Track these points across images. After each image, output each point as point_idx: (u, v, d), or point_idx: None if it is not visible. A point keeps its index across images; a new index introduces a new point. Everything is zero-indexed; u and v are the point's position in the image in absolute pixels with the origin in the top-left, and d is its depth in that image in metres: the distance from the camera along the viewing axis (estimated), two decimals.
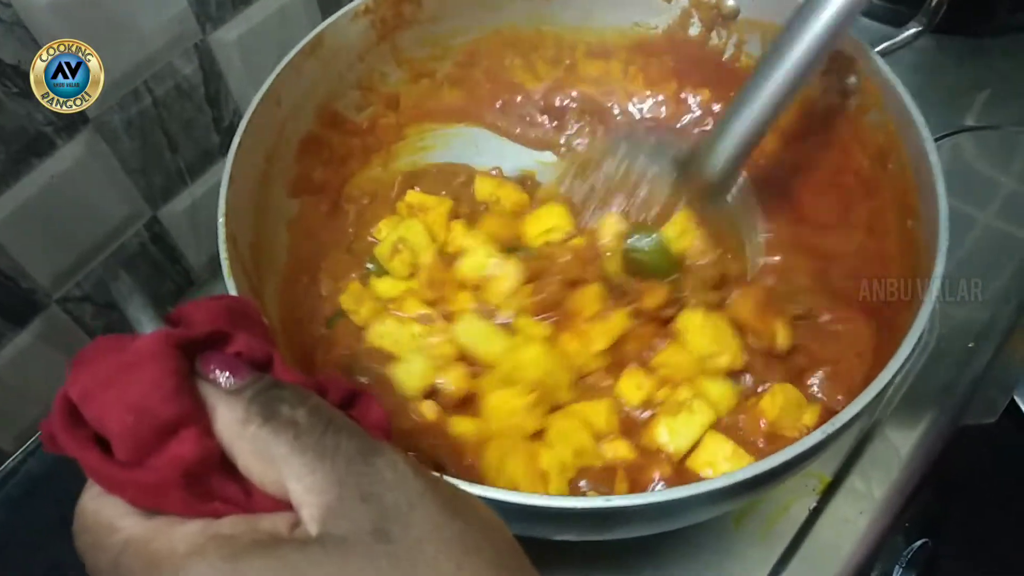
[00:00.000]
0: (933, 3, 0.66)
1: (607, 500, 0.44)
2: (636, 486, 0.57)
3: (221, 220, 0.57)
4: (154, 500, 0.29)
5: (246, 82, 0.65)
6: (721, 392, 0.61)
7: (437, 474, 0.32)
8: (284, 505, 0.29)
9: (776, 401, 0.59)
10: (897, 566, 0.70)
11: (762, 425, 0.59)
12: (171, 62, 0.70)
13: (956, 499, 0.78)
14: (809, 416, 0.59)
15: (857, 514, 0.67)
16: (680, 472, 0.58)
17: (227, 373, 0.31)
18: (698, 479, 0.57)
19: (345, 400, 0.34)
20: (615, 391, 0.62)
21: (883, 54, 0.65)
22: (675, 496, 0.45)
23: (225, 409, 0.29)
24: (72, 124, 0.65)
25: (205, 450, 0.29)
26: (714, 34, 0.76)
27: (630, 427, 0.61)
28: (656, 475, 0.56)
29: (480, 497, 0.42)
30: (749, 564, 0.65)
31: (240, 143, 0.60)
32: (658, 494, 0.45)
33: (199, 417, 0.29)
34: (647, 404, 0.61)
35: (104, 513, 0.30)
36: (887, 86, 0.62)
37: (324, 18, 0.69)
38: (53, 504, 0.30)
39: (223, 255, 0.55)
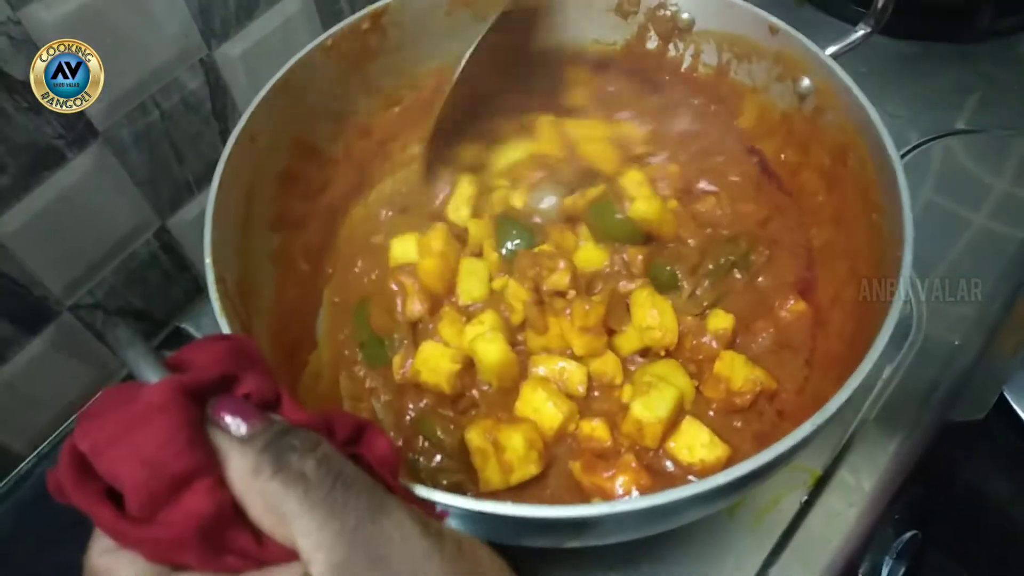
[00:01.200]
0: (879, 4, 0.68)
1: (594, 507, 0.46)
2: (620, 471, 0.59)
3: (208, 261, 0.57)
4: (169, 555, 0.29)
5: (251, 96, 0.67)
6: (670, 370, 0.65)
7: (440, 524, 0.32)
8: (295, 555, 0.29)
9: (728, 364, 0.63)
10: (887, 557, 0.71)
11: (724, 389, 0.63)
12: (177, 77, 0.72)
13: (946, 492, 0.79)
14: (759, 373, 0.63)
15: (847, 507, 0.68)
16: (660, 456, 0.61)
17: (238, 419, 0.31)
18: (677, 461, 0.60)
19: (353, 435, 0.34)
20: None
21: (835, 56, 0.67)
22: (665, 500, 0.45)
23: (237, 458, 0.30)
24: (82, 137, 0.67)
25: (219, 503, 0.29)
26: (671, 46, 0.78)
27: (610, 415, 0.64)
28: (634, 464, 0.59)
29: (472, 511, 0.43)
30: (742, 556, 0.66)
31: (220, 183, 0.60)
32: (648, 498, 0.45)
33: (212, 467, 0.29)
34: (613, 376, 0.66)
35: (117, 571, 0.30)
36: (841, 87, 0.65)
37: (324, 31, 0.71)
38: (64, 508, 0.30)
39: (213, 296, 0.55)
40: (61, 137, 0.65)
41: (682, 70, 0.79)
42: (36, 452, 0.77)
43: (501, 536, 0.48)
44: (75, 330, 0.75)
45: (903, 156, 0.91)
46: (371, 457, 0.33)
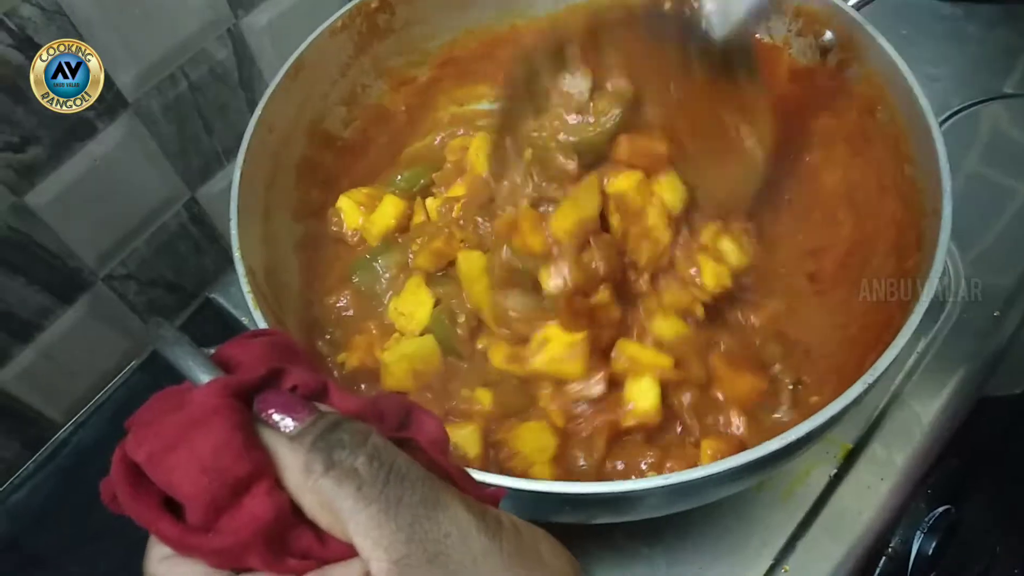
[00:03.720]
0: None
1: (625, 484, 0.46)
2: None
3: (237, 255, 0.57)
4: (233, 562, 0.29)
5: (278, 66, 0.67)
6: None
7: (499, 512, 0.32)
8: (355, 550, 0.29)
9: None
10: (918, 532, 0.70)
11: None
12: (205, 47, 0.72)
13: (981, 466, 0.78)
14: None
15: (878, 480, 0.67)
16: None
17: (286, 417, 0.30)
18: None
19: (402, 419, 0.34)
20: None
21: (857, 7, 0.65)
22: (694, 476, 0.46)
23: (288, 456, 0.29)
24: (112, 108, 0.67)
25: (279, 506, 0.28)
26: (686, 7, 0.75)
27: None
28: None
29: (505, 487, 0.43)
30: (769, 529, 0.66)
31: (241, 175, 0.60)
32: (676, 475, 0.46)
33: (269, 469, 0.29)
34: None
35: None
36: (865, 38, 0.63)
37: None
38: (100, 474, 0.29)
39: (246, 289, 0.56)
40: (92, 108, 0.65)
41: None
42: (73, 420, 0.79)
43: (534, 512, 0.49)
44: (109, 300, 0.76)
45: (944, 121, 0.89)
46: (421, 439, 0.33)
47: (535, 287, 0.61)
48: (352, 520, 0.28)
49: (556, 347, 0.60)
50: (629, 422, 0.59)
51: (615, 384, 0.61)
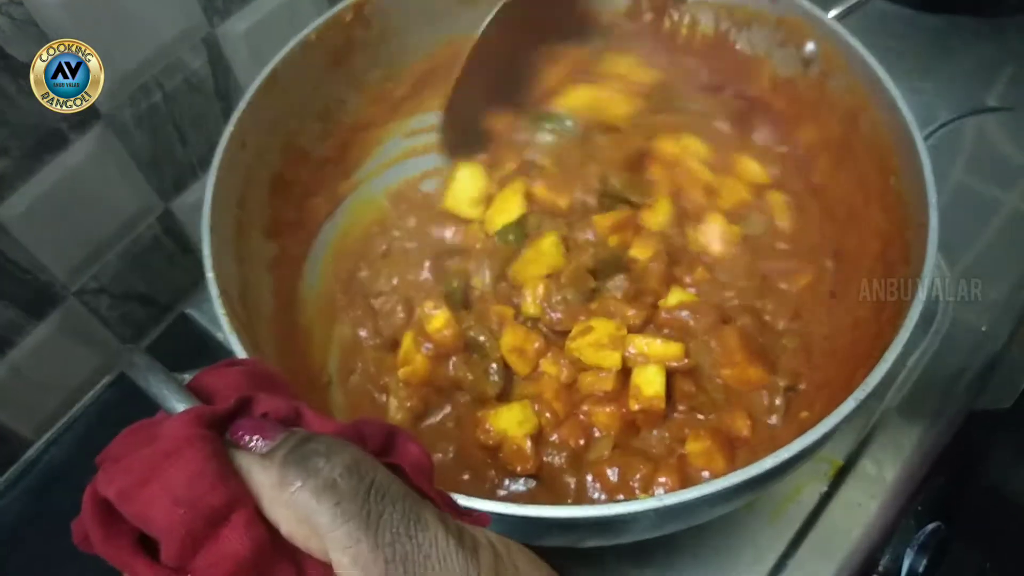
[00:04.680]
0: None
1: (616, 507, 0.45)
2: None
3: (211, 275, 0.56)
4: None
5: (255, 75, 0.66)
6: None
7: (475, 530, 0.31)
8: (332, 574, 0.28)
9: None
10: (908, 549, 0.69)
11: None
12: (180, 56, 0.70)
13: (970, 483, 0.77)
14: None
15: (868, 498, 0.67)
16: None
17: (256, 437, 0.29)
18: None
19: (385, 443, 0.33)
20: None
21: (838, 19, 0.65)
22: (682, 499, 0.45)
23: (261, 474, 0.28)
24: (84, 120, 0.65)
25: (257, 540, 0.27)
26: (666, 18, 0.76)
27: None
28: None
29: (488, 512, 0.42)
30: (760, 548, 0.65)
31: (214, 193, 0.59)
32: (663, 498, 0.45)
33: (246, 497, 0.28)
34: None
35: None
36: (847, 49, 0.63)
37: (331, 6, 0.69)
38: (73, 492, 0.29)
39: (220, 310, 0.54)
40: (64, 119, 0.64)
41: (679, 41, 0.77)
42: (44, 438, 0.77)
43: (522, 536, 0.48)
44: (80, 315, 0.74)
45: (931, 134, 0.88)
46: (405, 464, 0.32)
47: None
48: (330, 536, 0.27)
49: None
50: (635, 407, 0.61)
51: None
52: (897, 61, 0.63)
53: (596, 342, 0.64)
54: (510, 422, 0.62)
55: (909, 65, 0.91)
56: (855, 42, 0.62)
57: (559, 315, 0.66)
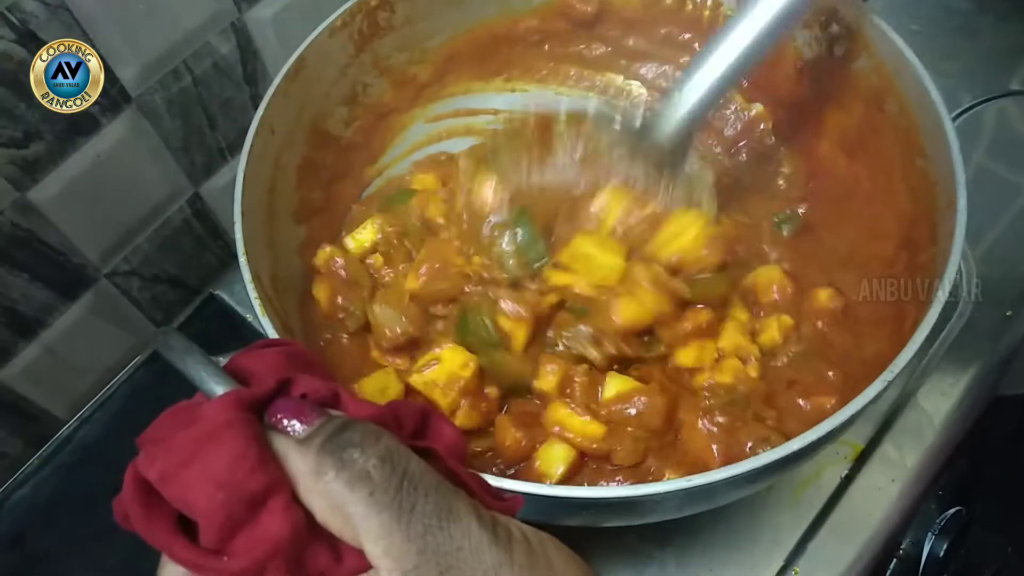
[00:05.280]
0: None
1: (642, 488, 0.46)
2: None
3: (243, 260, 0.56)
4: None
5: (282, 60, 0.66)
6: None
7: (508, 522, 0.31)
8: (369, 561, 0.29)
9: None
10: (929, 533, 0.70)
11: None
12: (209, 41, 0.71)
13: (992, 467, 0.77)
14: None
15: (889, 482, 0.67)
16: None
17: (294, 420, 0.30)
18: None
19: (420, 425, 0.33)
20: None
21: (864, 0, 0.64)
22: (708, 480, 0.45)
23: (298, 460, 0.29)
24: (115, 104, 0.66)
25: (295, 523, 0.28)
26: (688, 2, 0.76)
27: None
28: None
29: (521, 493, 0.43)
30: (779, 531, 0.65)
31: (244, 177, 0.60)
32: (691, 479, 0.45)
33: (284, 482, 0.28)
34: None
35: None
36: (873, 28, 0.62)
37: None
38: (105, 471, 0.29)
39: (252, 294, 0.55)
40: (96, 103, 0.64)
41: (703, 25, 0.76)
42: (77, 416, 0.78)
43: (545, 515, 0.48)
44: (112, 296, 0.76)
45: (955, 118, 0.88)
46: (439, 446, 0.32)
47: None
48: (363, 526, 0.28)
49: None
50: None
51: None
52: (922, 43, 0.62)
53: None
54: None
55: (935, 47, 0.90)
56: (880, 21, 0.62)
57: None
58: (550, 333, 0.62)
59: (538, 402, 0.61)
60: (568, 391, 0.60)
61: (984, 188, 0.83)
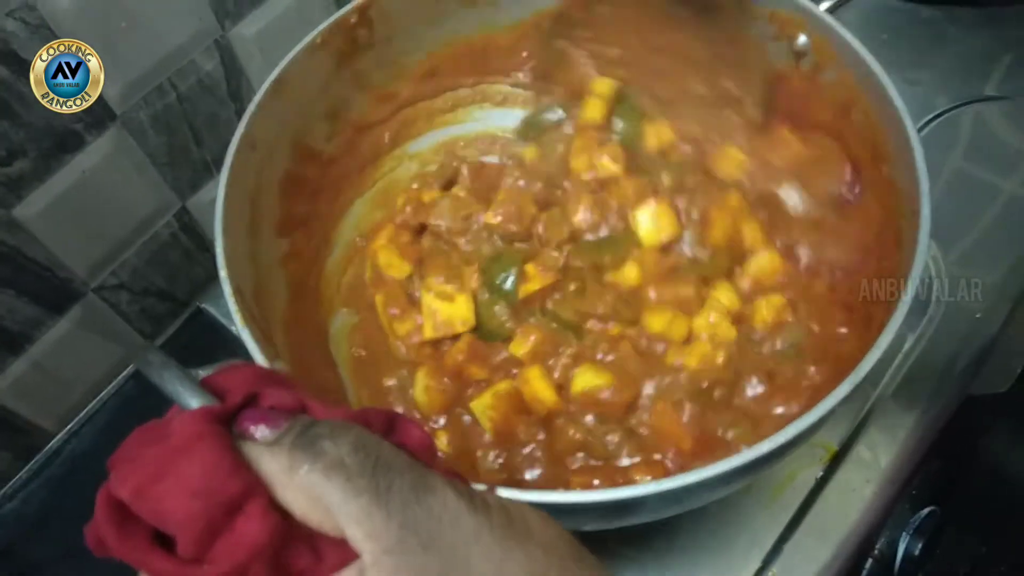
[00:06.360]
0: None
1: (619, 491, 0.47)
2: None
3: (224, 274, 0.56)
4: None
5: (266, 75, 0.67)
6: None
7: (484, 492, 0.32)
8: (351, 553, 0.29)
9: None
10: (904, 533, 0.71)
11: None
12: (193, 59, 0.72)
13: (966, 467, 0.78)
14: None
15: (864, 483, 0.68)
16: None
17: (262, 426, 0.30)
18: None
19: (386, 428, 0.34)
20: None
21: (831, 11, 0.66)
22: (680, 483, 0.46)
23: (271, 462, 0.29)
24: (100, 121, 0.67)
25: (273, 525, 0.28)
26: None
27: None
28: None
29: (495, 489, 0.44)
30: (756, 532, 0.66)
31: (226, 194, 0.59)
32: (662, 482, 0.46)
33: (260, 487, 0.29)
34: None
35: None
36: (838, 41, 0.64)
37: (339, 8, 0.70)
38: (94, 483, 0.29)
39: (233, 308, 0.55)
40: (80, 121, 0.66)
41: None
42: (66, 430, 0.79)
43: None
44: (100, 310, 0.76)
45: (928, 123, 0.89)
46: (408, 446, 0.33)
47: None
48: (343, 511, 0.28)
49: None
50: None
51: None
52: (892, 52, 0.63)
53: None
54: None
55: (904, 56, 0.92)
56: (846, 33, 0.63)
57: None
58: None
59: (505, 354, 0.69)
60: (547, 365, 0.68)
61: (962, 190, 0.85)
